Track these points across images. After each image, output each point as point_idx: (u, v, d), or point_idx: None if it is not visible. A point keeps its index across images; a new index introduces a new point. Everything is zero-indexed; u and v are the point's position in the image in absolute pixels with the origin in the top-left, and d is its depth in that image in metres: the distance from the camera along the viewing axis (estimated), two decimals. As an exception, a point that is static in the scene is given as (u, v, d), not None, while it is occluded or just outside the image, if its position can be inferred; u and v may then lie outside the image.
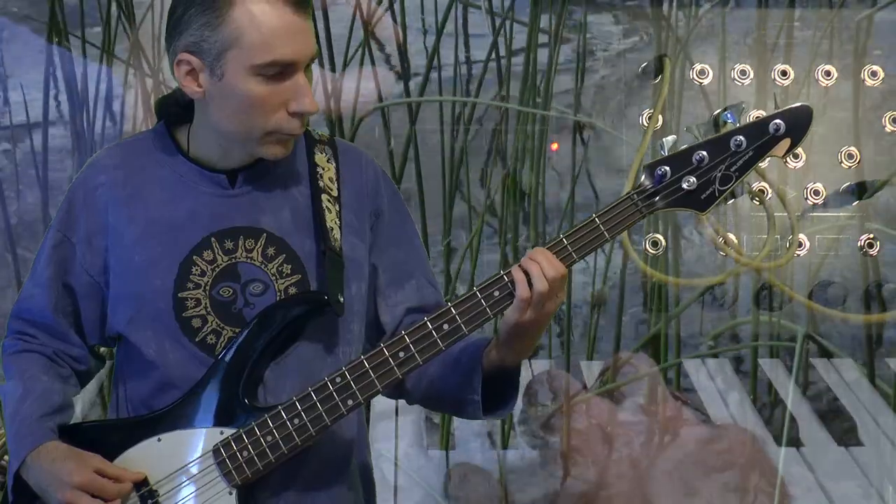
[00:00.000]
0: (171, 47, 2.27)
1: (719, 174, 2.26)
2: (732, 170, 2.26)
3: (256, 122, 2.24)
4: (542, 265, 2.21)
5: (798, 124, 2.26)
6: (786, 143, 2.26)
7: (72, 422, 2.38)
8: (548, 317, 2.25)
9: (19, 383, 2.36)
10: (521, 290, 2.22)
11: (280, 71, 2.22)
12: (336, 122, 4.40)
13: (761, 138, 2.26)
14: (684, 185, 2.27)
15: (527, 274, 2.22)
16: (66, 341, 2.40)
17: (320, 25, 4.35)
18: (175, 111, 2.35)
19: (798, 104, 2.29)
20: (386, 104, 4.50)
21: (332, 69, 4.40)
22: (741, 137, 2.26)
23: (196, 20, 2.22)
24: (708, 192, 2.27)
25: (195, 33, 2.22)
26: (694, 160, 2.26)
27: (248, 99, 2.22)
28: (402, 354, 2.25)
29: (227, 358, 2.28)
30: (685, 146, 2.28)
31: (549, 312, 2.24)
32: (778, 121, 2.26)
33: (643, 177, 2.28)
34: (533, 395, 4.40)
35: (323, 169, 2.37)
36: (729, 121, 2.28)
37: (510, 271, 2.23)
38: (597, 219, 2.25)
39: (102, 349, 2.47)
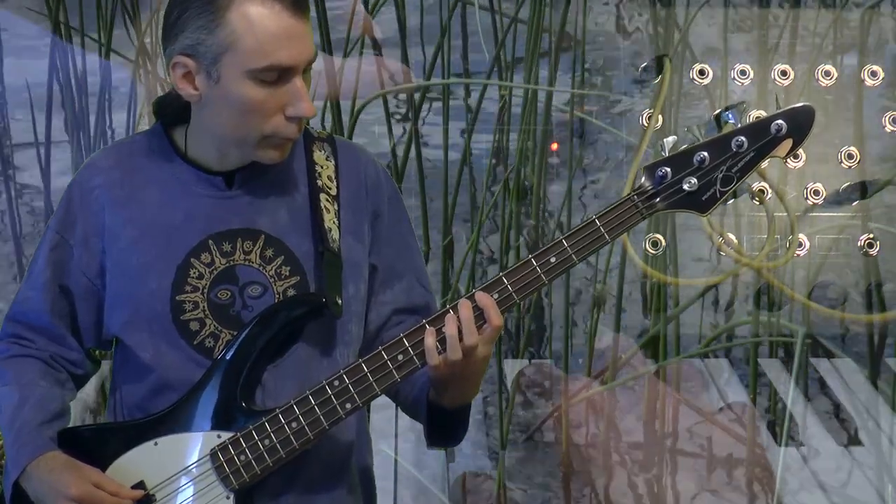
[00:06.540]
0: (167, 50, 2.25)
1: (720, 175, 2.24)
2: (734, 171, 2.24)
3: (253, 126, 2.23)
4: (462, 326, 2.17)
5: (800, 124, 2.23)
6: (787, 143, 2.24)
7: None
8: (479, 364, 2.21)
9: (15, 388, 2.34)
10: (431, 359, 2.19)
11: (277, 76, 2.20)
12: (335, 112, 4.39)
13: (763, 139, 2.23)
14: (685, 187, 2.24)
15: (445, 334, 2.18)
16: (63, 345, 2.38)
17: (319, 22, 4.35)
18: (172, 112, 2.33)
19: (800, 104, 2.27)
20: (388, 91, 4.49)
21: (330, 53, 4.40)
22: (743, 138, 2.23)
23: (192, 23, 2.20)
24: (709, 194, 2.24)
25: (191, 36, 2.21)
26: (695, 161, 2.24)
27: (245, 103, 2.21)
28: (400, 357, 2.23)
29: (225, 360, 2.26)
30: (685, 146, 2.26)
31: (479, 361, 2.20)
32: (780, 121, 2.23)
33: (643, 178, 2.26)
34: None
35: (322, 167, 2.35)
36: (730, 121, 2.25)
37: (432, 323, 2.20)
38: (597, 220, 2.23)
39: (99, 353, 2.46)
